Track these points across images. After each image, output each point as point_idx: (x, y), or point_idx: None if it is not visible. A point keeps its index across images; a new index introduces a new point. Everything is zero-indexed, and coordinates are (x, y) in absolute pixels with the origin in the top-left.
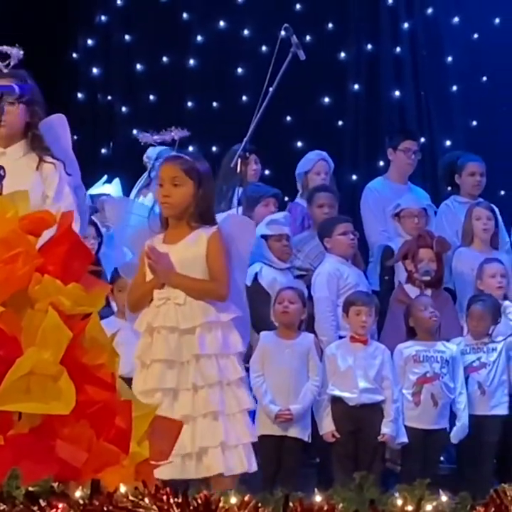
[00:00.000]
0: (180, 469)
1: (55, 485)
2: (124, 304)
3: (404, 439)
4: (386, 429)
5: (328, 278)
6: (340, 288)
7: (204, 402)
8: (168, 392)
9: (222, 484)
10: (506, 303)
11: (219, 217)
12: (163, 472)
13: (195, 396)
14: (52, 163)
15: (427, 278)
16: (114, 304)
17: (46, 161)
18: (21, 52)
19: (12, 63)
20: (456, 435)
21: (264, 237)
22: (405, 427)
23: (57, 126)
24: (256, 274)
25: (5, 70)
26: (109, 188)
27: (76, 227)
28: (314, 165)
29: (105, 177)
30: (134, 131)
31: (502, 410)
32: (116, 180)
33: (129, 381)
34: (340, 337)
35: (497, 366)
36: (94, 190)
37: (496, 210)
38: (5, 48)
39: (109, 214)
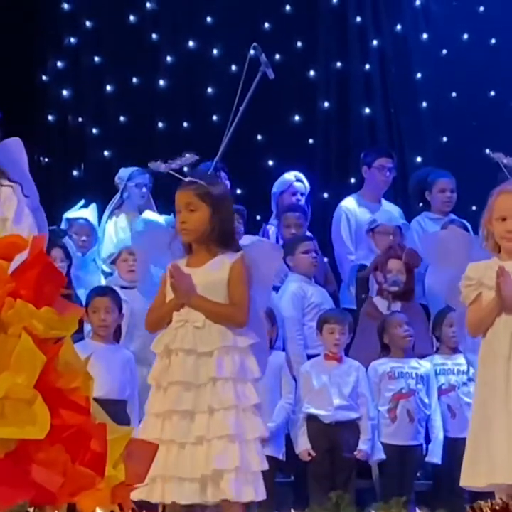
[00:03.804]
0: (194, 492)
1: (31, 509)
2: (98, 326)
3: (381, 456)
4: (363, 446)
5: (292, 298)
6: (304, 307)
7: (220, 425)
8: (184, 414)
9: (231, 510)
10: None
11: (247, 240)
12: (179, 495)
13: (211, 419)
14: (9, 186)
15: (395, 288)
16: (87, 326)
17: (3, 184)
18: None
19: None
20: (431, 454)
21: None
22: (381, 443)
23: (14, 150)
24: None
25: None
26: (86, 212)
27: None
28: (290, 185)
29: (82, 201)
30: (151, 163)
31: None
32: (93, 206)
33: (104, 403)
34: (309, 356)
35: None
36: (71, 214)
37: (469, 226)
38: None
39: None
